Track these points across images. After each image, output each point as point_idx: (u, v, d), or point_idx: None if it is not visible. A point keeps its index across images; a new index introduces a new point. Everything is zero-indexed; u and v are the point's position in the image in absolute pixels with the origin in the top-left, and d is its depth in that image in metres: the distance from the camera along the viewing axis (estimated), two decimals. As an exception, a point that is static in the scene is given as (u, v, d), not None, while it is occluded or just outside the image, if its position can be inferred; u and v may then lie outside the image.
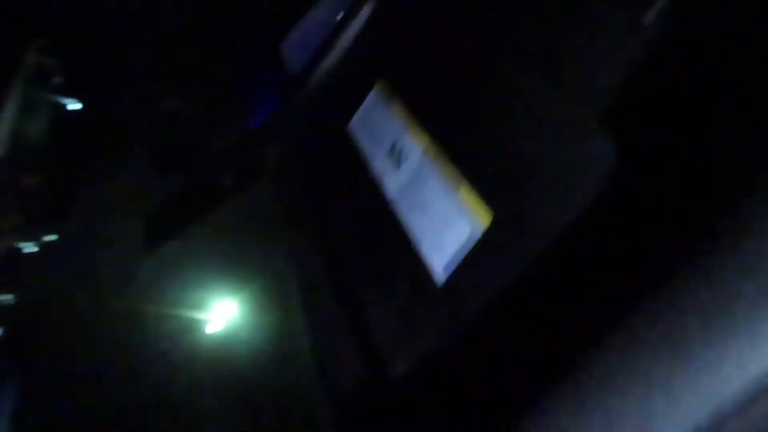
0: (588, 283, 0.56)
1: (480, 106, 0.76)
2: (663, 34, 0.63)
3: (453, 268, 0.69)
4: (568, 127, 0.63)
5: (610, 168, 0.58)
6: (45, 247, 1.68)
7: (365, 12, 1.15)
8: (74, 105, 1.92)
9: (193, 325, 1.46)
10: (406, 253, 0.78)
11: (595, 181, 0.59)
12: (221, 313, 1.45)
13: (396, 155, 0.86)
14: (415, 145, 0.83)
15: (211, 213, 1.59)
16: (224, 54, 1.53)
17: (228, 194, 1.54)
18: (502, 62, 0.75)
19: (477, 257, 0.67)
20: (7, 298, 1.56)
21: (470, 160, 0.73)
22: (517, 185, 0.66)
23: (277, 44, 1.28)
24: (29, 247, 1.67)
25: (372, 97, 0.98)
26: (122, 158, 1.87)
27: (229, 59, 1.48)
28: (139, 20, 1.87)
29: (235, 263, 1.53)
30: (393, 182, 0.85)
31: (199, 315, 1.46)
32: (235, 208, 1.55)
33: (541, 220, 0.63)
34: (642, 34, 0.64)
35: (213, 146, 1.55)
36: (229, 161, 1.49)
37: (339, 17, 1.19)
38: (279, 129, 1.24)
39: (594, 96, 0.63)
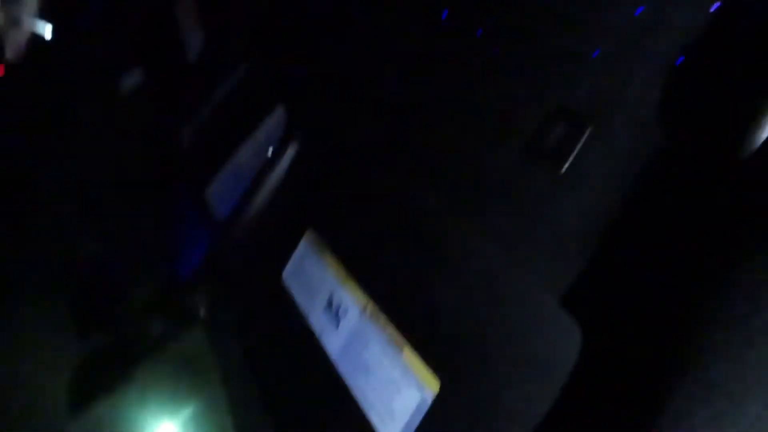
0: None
1: (416, 262, 0.76)
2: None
3: (406, 439, 0.66)
4: (512, 289, 0.63)
5: (559, 335, 0.58)
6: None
7: (288, 156, 1.16)
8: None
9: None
10: (353, 419, 0.74)
11: (544, 345, 0.59)
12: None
13: (334, 311, 0.84)
14: (353, 302, 0.81)
15: (139, 366, 1.50)
16: (148, 200, 1.50)
17: (157, 345, 1.46)
18: (439, 215, 0.76)
19: (429, 428, 0.64)
20: None
21: (411, 321, 0.71)
22: (462, 351, 0.64)
23: (201, 190, 1.26)
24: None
25: (302, 248, 0.97)
26: (38, 309, 1.75)
27: (152, 205, 1.45)
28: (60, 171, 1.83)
29: (168, 413, 1.45)
30: (333, 341, 0.82)
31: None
32: (165, 359, 1.46)
33: (491, 390, 0.61)
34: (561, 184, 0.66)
35: (137, 296, 1.47)
36: (156, 310, 1.41)
37: (263, 161, 1.19)
38: (208, 277, 1.20)
39: (534, 255, 0.63)
